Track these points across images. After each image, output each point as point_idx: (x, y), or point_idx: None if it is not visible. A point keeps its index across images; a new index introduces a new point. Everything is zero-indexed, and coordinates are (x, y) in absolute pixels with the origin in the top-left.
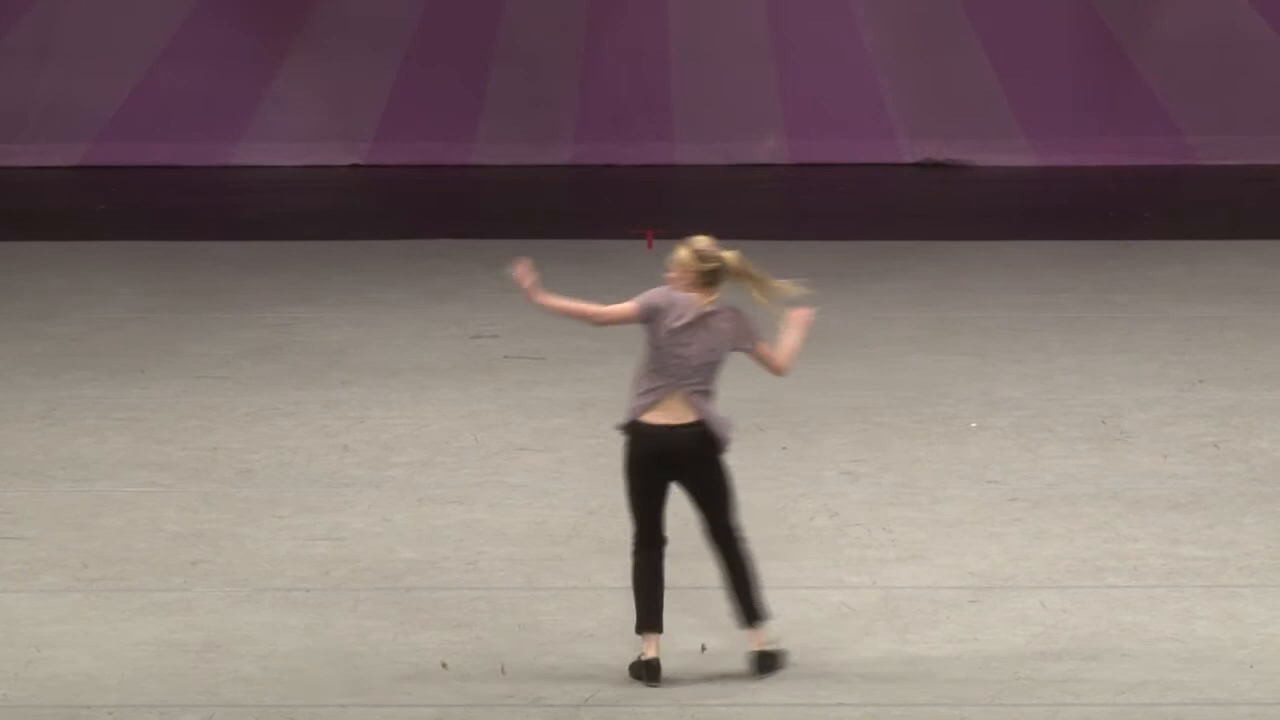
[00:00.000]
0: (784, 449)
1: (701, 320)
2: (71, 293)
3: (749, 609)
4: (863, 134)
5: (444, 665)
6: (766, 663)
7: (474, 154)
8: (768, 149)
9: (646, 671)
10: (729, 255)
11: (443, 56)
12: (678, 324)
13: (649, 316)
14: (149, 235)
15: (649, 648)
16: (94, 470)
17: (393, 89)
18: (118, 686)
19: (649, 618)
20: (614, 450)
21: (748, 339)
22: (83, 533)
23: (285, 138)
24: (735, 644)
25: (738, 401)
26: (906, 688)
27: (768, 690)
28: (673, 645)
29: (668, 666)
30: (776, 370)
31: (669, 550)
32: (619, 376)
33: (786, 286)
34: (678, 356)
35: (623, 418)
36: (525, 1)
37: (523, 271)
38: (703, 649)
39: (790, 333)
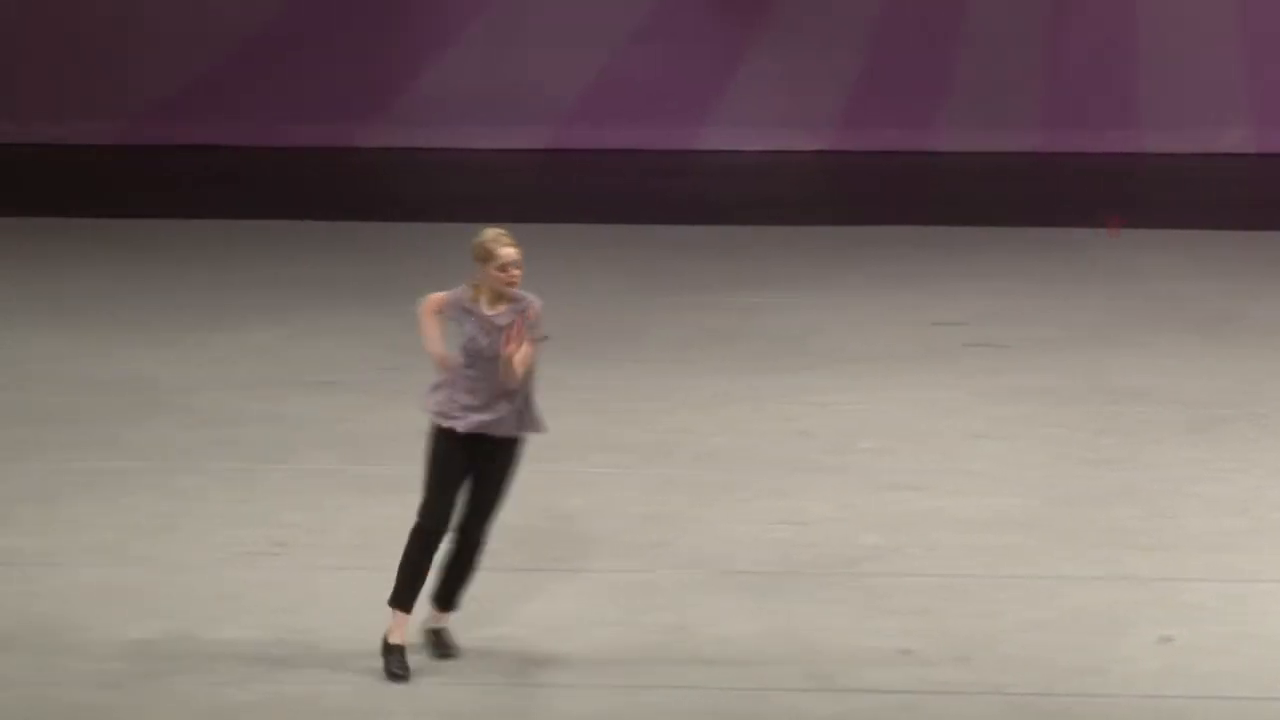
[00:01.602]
0: (1250, 439)
1: None
2: (536, 275)
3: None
4: None
5: (904, 652)
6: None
7: (937, 140)
8: (1235, 138)
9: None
10: None
11: (907, 42)
12: None
13: None
14: (612, 218)
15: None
16: (557, 451)
17: (857, 75)
18: (581, 666)
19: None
20: (1073, 438)
21: None
22: (547, 513)
23: (749, 123)
24: (1201, 636)
25: (1200, 390)
26: None
27: (1232, 683)
28: (1131, 636)
29: (1126, 652)
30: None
31: None
32: (1079, 366)
33: None
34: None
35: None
36: None
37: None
38: (1166, 640)
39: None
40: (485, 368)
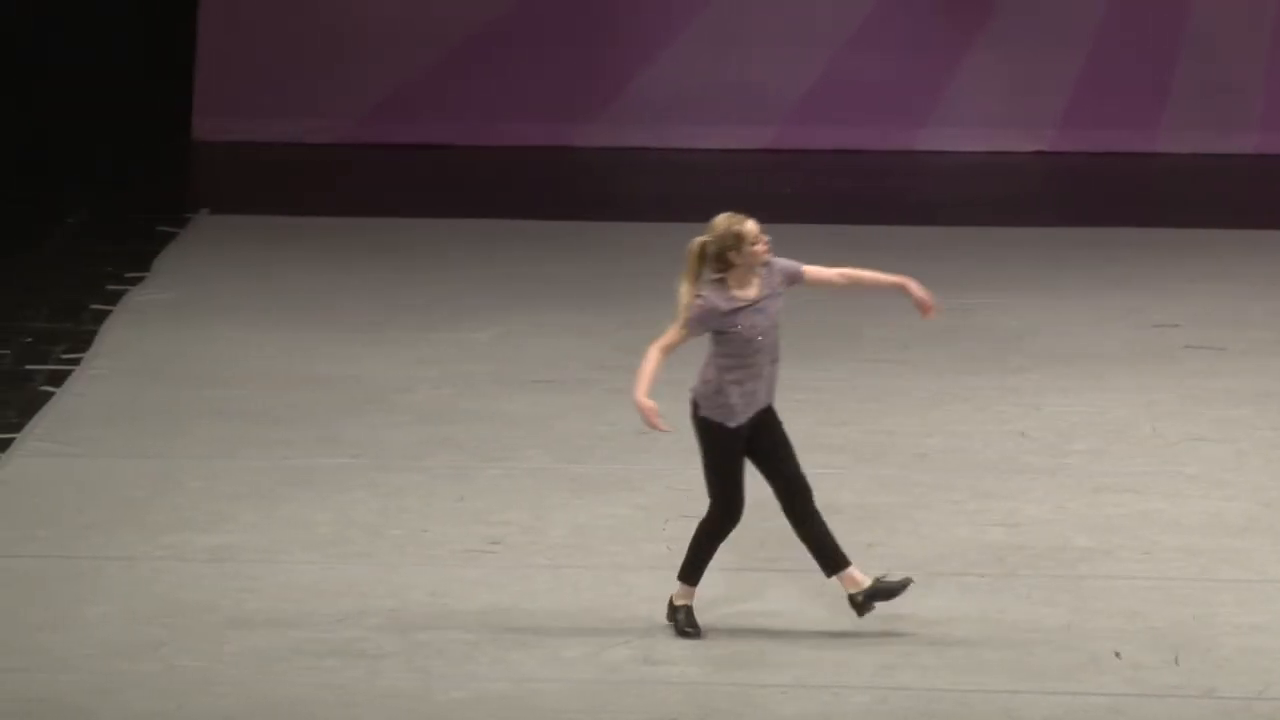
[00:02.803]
0: None
1: None
2: None
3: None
4: None
5: (1117, 654)
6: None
7: (1158, 141)
8: None
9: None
10: None
11: (1129, 43)
12: None
13: None
14: (832, 219)
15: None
16: None
17: (1078, 75)
18: (791, 665)
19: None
20: None
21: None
22: (759, 513)
23: (969, 123)
24: None
25: None
26: None
27: None
28: None
29: None
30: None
31: None
32: None
33: None
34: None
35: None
36: None
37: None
38: None
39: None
40: (765, 347)
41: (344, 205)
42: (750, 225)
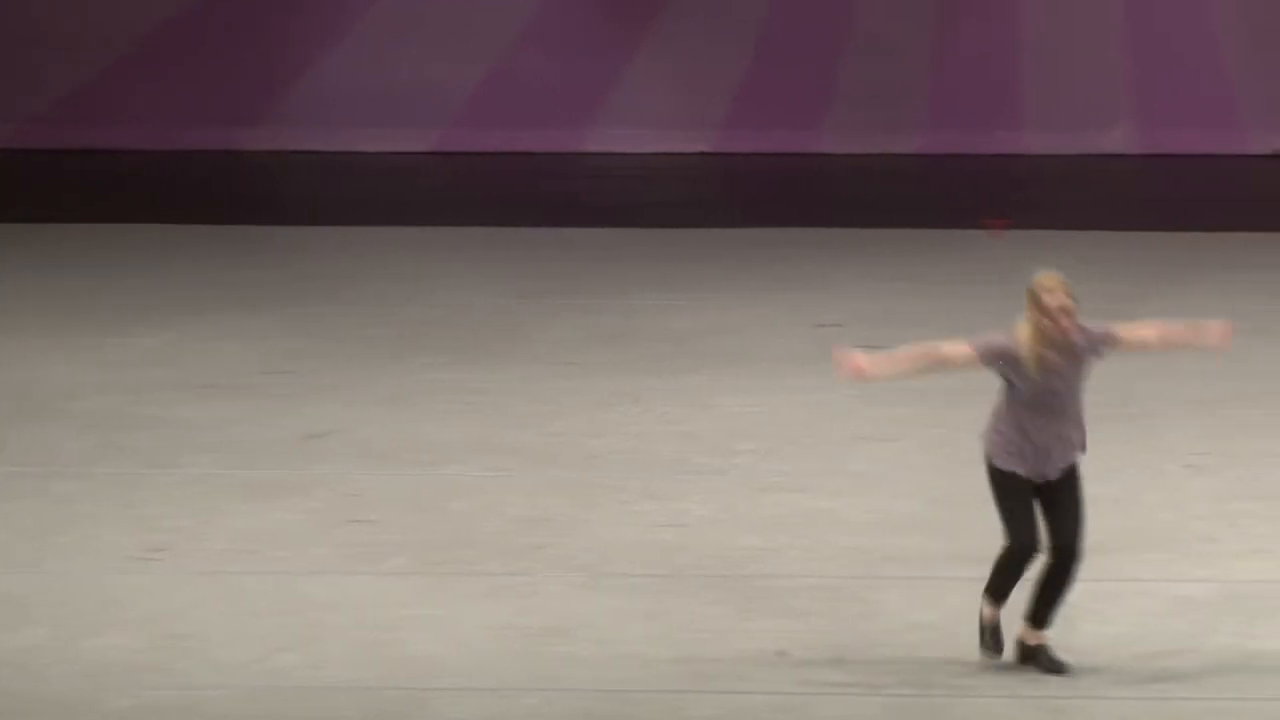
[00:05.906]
0: (1127, 440)
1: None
2: (423, 277)
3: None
4: (1212, 124)
5: (782, 653)
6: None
7: (822, 142)
8: (1117, 139)
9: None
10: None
11: (793, 44)
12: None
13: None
14: (500, 221)
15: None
16: (441, 454)
17: (743, 76)
18: (461, 669)
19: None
20: (957, 440)
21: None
22: (429, 517)
23: (635, 125)
24: (1075, 636)
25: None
26: (1248, 681)
27: (1108, 684)
28: (1007, 637)
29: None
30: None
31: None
32: None
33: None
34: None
35: None
36: None
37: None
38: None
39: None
40: (1056, 410)
41: (8, 211)
42: (1054, 299)
